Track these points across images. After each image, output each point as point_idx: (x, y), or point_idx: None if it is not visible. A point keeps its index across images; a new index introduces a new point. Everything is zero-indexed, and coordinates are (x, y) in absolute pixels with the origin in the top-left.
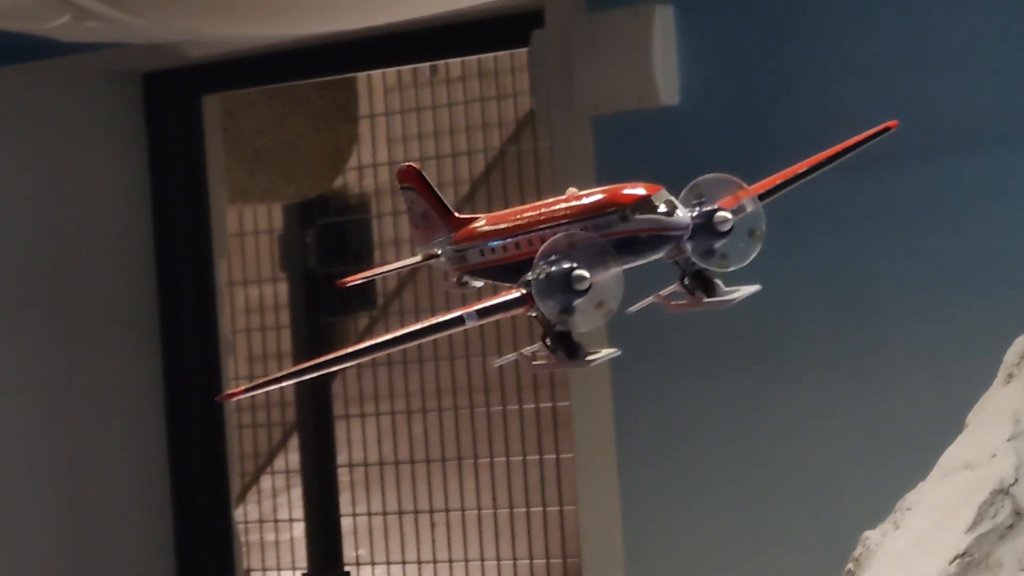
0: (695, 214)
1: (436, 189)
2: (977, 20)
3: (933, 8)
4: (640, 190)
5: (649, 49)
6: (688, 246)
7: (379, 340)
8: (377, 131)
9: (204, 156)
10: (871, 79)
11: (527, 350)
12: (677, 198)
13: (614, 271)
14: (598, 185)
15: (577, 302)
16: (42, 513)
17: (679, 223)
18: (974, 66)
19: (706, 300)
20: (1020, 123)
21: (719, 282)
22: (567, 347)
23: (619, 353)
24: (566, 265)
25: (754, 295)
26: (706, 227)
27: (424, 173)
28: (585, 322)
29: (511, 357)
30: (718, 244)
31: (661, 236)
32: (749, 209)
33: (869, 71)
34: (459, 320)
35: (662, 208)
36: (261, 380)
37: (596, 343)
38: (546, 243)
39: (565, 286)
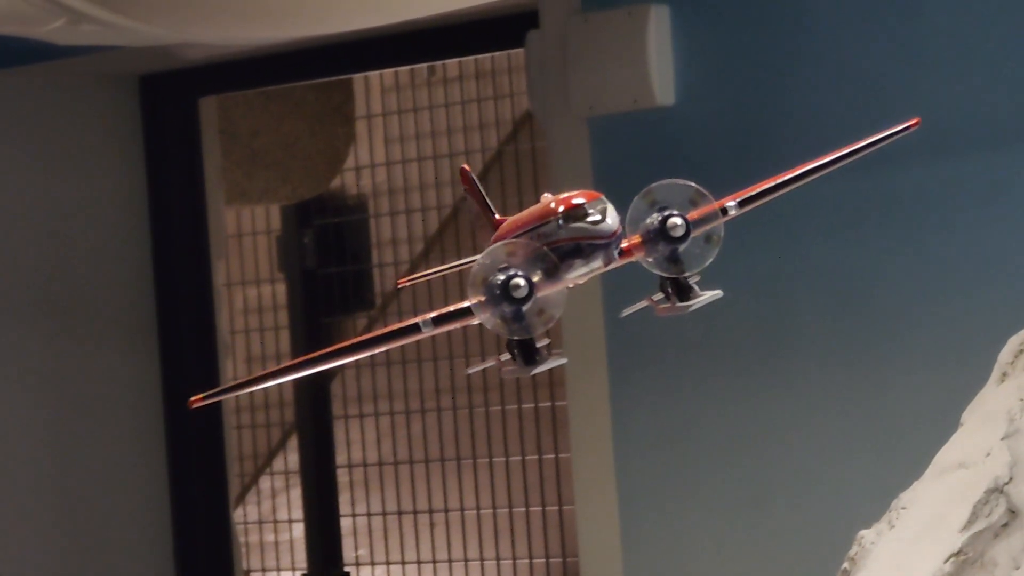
0: (656, 220)
1: (483, 191)
2: (975, 19)
3: (930, 7)
4: (578, 199)
5: (644, 49)
6: (616, 253)
7: (335, 348)
8: (374, 131)
9: (201, 158)
10: (868, 78)
11: (502, 356)
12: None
13: (554, 279)
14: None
15: (515, 310)
16: (41, 514)
17: (603, 231)
18: (972, 65)
19: (678, 304)
20: (1017, 123)
21: (695, 286)
22: (524, 354)
23: (565, 361)
24: (503, 274)
25: (717, 300)
26: (661, 233)
27: (474, 176)
28: (526, 330)
29: (487, 364)
30: (675, 249)
31: (590, 244)
32: (734, 212)
33: (866, 70)
34: (415, 328)
35: (595, 216)
36: (221, 388)
37: (593, 346)
38: (483, 252)
39: (503, 295)
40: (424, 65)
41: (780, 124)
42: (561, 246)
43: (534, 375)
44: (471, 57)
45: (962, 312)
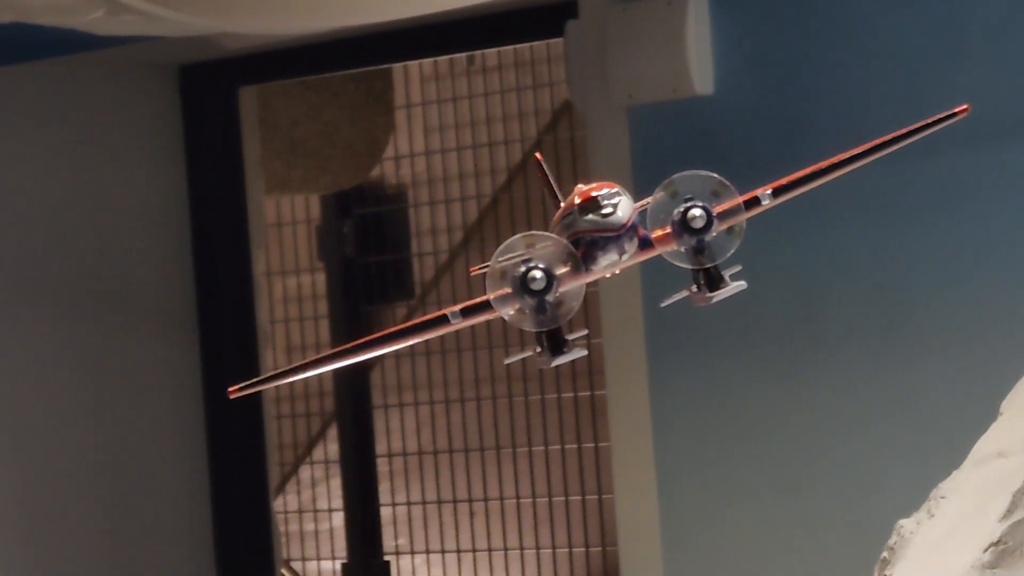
0: (678, 212)
1: (551, 178)
2: (1012, 6)
3: None
4: (594, 191)
5: (683, 38)
6: (627, 245)
7: (363, 340)
8: (414, 121)
9: (241, 147)
10: (909, 67)
11: (538, 347)
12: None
13: (576, 271)
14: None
15: (535, 302)
16: (82, 502)
17: (612, 223)
18: (1008, 55)
19: (706, 294)
20: None
21: (725, 276)
22: (551, 344)
23: (585, 353)
24: (522, 267)
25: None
26: (683, 224)
27: (544, 163)
28: (549, 322)
29: (525, 354)
30: (699, 240)
31: (602, 236)
32: (767, 203)
33: (906, 58)
34: (443, 319)
35: (607, 209)
36: (259, 378)
37: (632, 335)
38: (502, 245)
39: (522, 287)
40: (463, 54)
41: (819, 113)
42: (580, 238)
43: (561, 366)
44: (510, 46)
45: (1001, 300)
